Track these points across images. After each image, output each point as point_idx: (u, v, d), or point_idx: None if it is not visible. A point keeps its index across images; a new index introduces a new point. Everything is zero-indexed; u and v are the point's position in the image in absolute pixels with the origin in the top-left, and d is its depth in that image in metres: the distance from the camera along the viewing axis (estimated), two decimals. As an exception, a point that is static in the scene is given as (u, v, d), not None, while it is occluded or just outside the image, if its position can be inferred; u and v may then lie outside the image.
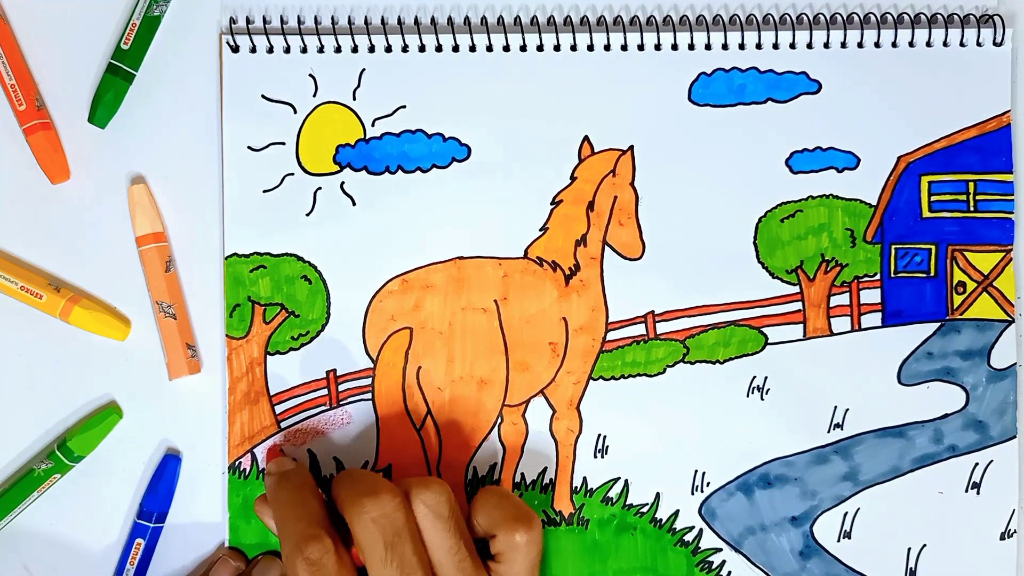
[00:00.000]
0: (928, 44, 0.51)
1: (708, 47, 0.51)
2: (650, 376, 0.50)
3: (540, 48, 0.51)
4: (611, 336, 0.50)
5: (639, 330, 0.50)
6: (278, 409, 0.50)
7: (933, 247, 0.51)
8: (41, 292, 0.49)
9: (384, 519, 0.43)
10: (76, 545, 0.50)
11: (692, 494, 0.50)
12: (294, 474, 0.47)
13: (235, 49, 0.50)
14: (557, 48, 0.51)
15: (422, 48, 0.50)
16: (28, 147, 0.50)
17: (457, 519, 0.44)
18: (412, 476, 0.47)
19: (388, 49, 0.50)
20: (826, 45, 0.51)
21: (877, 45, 0.51)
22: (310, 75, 0.50)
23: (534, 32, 0.51)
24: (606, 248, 0.51)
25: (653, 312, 0.50)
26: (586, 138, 0.51)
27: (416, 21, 0.51)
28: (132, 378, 0.50)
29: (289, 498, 0.45)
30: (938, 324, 0.51)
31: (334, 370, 0.50)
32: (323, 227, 0.50)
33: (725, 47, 0.51)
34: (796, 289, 0.51)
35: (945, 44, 0.51)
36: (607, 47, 0.51)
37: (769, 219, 0.51)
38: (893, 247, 0.51)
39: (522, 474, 0.50)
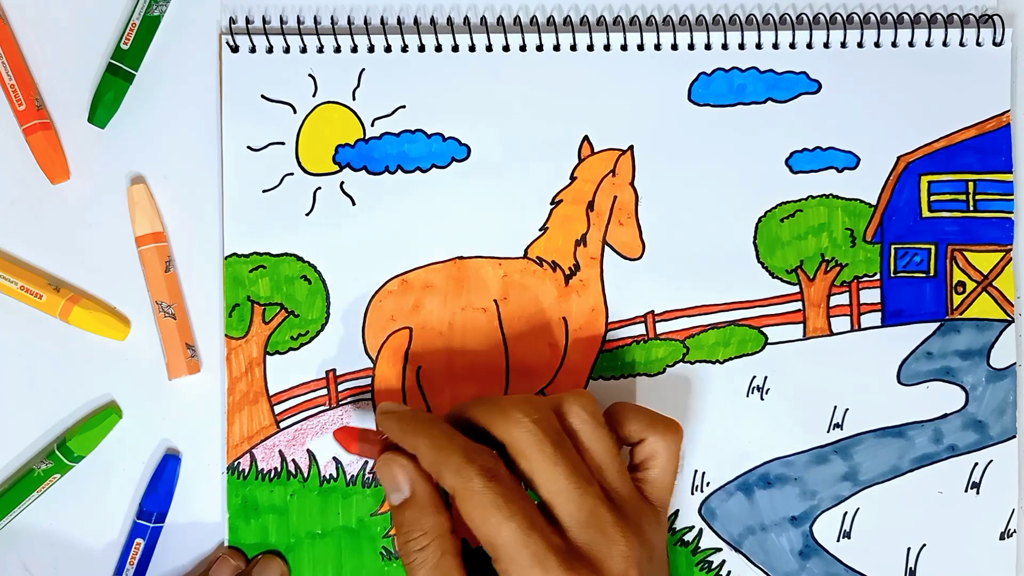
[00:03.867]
0: (928, 44, 0.51)
1: (708, 47, 0.51)
2: (650, 376, 0.50)
3: (540, 48, 0.51)
4: (611, 336, 0.50)
5: (639, 330, 0.50)
6: (277, 409, 0.50)
7: (933, 247, 0.51)
8: (41, 292, 0.49)
9: (544, 421, 0.42)
10: (76, 545, 0.50)
11: (692, 494, 0.50)
12: (420, 410, 0.47)
13: (235, 49, 0.50)
14: (557, 48, 0.51)
15: (422, 48, 0.50)
16: (28, 147, 0.50)
17: (608, 429, 0.44)
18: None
19: (388, 49, 0.50)
20: (826, 45, 0.51)
21: (877, 45, 0.51)
22: (310, 75, 0.50)
23: (534, 32, 0.51)
24: (606, 248, 0.51)
25: (653, 312, 0.50)
26: (586, 138, 0.51)
27: (416, 21, 0.51)
28: (132, 378, 0.50)
29: (432, 421, 0.44)
30: (938, 324, 0.51)
31: (334, 370, 0.50)
32: (323, 227, 0.50)
33: (725, 47, 0.51)
34: (796, 289, 0.51)
35: (945, 44, 0.51)
36: (607, 47, 0.51)
37: (769, 219, 0.51)
38: (893, 247, 0.51)
39: (522, 474, 0.50)
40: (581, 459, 0.43)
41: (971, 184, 0.51)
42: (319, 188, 0.50)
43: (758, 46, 0.51)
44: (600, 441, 0.44)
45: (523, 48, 0.50)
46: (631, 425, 0.45)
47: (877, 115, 0.51)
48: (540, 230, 0.51)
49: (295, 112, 0.50)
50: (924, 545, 0.51)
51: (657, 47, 0.51)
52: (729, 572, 0.50)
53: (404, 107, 0.50)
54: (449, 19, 0.51)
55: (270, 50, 0.50)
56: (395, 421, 0.45)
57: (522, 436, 0.42)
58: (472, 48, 0.50)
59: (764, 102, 0.51)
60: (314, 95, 0.50)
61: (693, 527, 0.50)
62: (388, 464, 0.44)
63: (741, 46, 0.51)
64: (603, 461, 0.43)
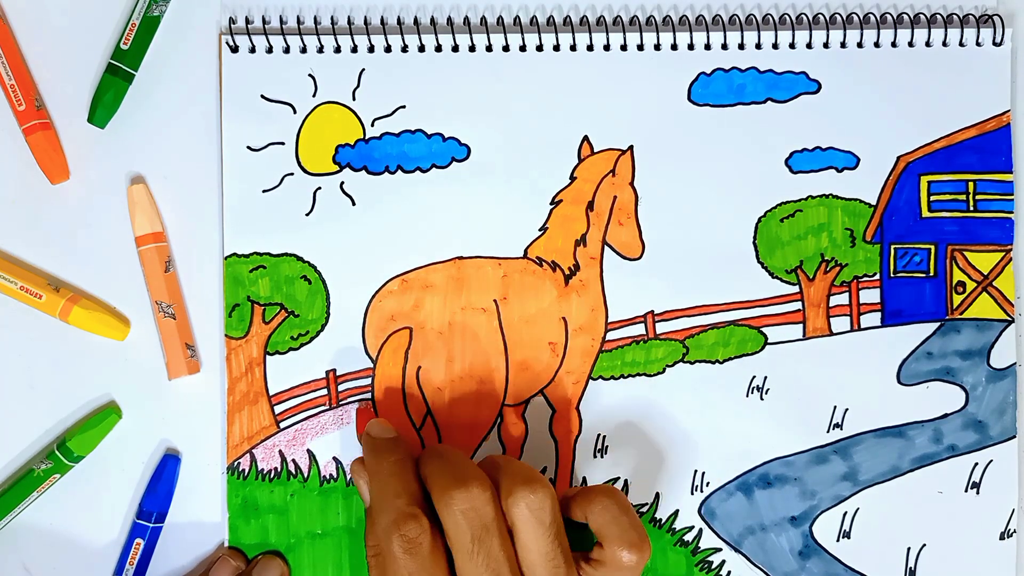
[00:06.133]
0: (928, 44, 0.51)
1: (708, 47, 0.51)
2: (650, 376, 0.50)
3: (540, 48, 0.51)
4: (611, 336, 0.50)
5: (639, 330, 0.50)
6: (277, 409, 0.50)
7: (933, 247, 0.51)
8: (41, 292, 0.49)
9: (472, 512, 0.43)
10: (76, 545, 0.50)
11: (692, 494, 0.50)
12: (395, 445, 0.46)
13: (234, 49, 0.50)
14: (557, 48, 0.51)
15: (422, 48, 0.50)
16: (28, 147, 0.50)
17: (558, 526, 0.44)
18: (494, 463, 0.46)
19: (388, 49, 0.50)
20: (826, 45, 0.51)
21: (877, 45, 0.51)
22: (310, 75, 0.50)
23: (534, 32, 0.51)
24: (606, 248, 0.51)
25: (653, 312, 0.50)
26: (586, 138, 0.51)
27: (416, 21, 0.51)
28: (131, 378, 0.50)
29: (390, 470, 0.45)
30: (938, 324, 0.51)
31: (334, 370, 0.50)
32: (323, 227, 0.50)
33: (725, 47, 0.51)
34: (796, 289, 0.51)
35: (945, 44, 0.51)
36: (607, 47, 0.51)
37: (769, 219, 0.51)
38: (893, 247, 0.51)
39: (522, 474, 0.50)
40: (507, 556, 0.43)
41: (971, 184, 0.51)
42: (319, 188, 0.50)
43: (758, 46, 0.51)
44: (537, 541, 0.43)
45: (523, 48, 0.50)
46: (593, 520, 0.45)
47: (877, 115, 0.51)
48: (540, 230, 0.51)
49: (295, 112, 0.50)
50: (924, 545, 0.51)
51: (657, 47, 0.51)
52: (729, 572, 0.50)
53: (404, 107, 0.50)
54: (449, 19, 0.51)
55: (270, 50, 0.50)
56: (366, 448, 0.47)
57: (448, 522, 0.43)
58: (472, 48, 0.50)
59: (764, 102, 0.51)
60: (314, 95, 0.50)
61: (693, 527, 0.50)
62: (355, 475, 0.48)
63: (741, 46, 0.51)
64: (532, 560, 0.43)
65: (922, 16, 0.51)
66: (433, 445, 0.48)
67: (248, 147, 0.50)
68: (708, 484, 0.50)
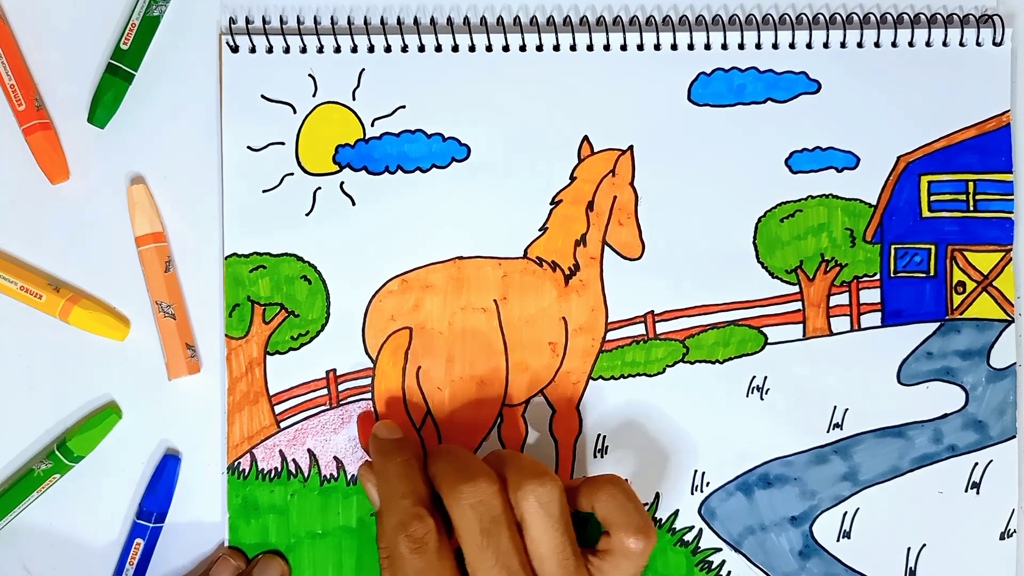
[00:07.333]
0: (928, 44, 0.51)
1: (708, 47, 0.51)
2: (650, 376, 0.50)
3: (540, 48, 0.51)
4: (611, 336, 0.50)
5: (639, 330, 0.50)
6: (278, 409, 0.50)
7: (933, 247, 0.51)
8: (41, 292, 0.49)
9: (481, 506, 0.43)
10: (76, 545, 0.50)
11: (692, 494, 0.50)
12: (403, 446, 0.47)
13: (235, 49, 0.50)
14: (557, 48, 0.51)
15: (422, 48, 0.50)
16: (28, 147, 0.50)
17: (567, 518, 0.44)
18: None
19: (388, 49, 0.50)
20: (826, 45, 0.51)
21: (877, 45, 0.51)
22: (310, 75, 0.50)
23: (534, 32, 0.51)
24: (606, 248, 0.51)
25: (653, 312, 0.50)
26: (586, 138, 0.51)
27: (416, 21, 0.51)
28: (131, 378, 0.50)
29: (396, 472, 0.45)
30: (938, 324, 0.51)
31: (334, 370, 0.50)
32: (323, 227, 0.50)
33: (725, 47, 0.51)
34: (796, 289, 0.51)
35: (945, 44, 0.51)
36: (607, 47, 0.51)
37: (769, 219, 0.51)
38: (893, 247, 0.51)
39: (522, 474, 0.50)
40: (516, 548, 0.43)
41: (971, 184, 0.51)
42: (319, 188, 0.50)
43: (758, 46, 0.51)
44: (547, 533, 0.43)
45: (523, 48, 0.50)
46: (600, 509, 0.45)
47: (877, 115, 0.51)
48: (540, 230, 0.51)
49: (295, 112, 0.50)
50: (924, 545, 0.51)
51: (657, 47, 0.51)
52: (729, 572, 0.50)
53: (404, 107, 0.50)
54: (449, 19, 0.51)
55: (270, 50, 0.50)
56: (373, 450, 0.47)
57: (458, 516, 0.43)
58: (472, 48, 0.50)
59: (764, 102, 0.51)
60: (314, 95, 0.50)
61: (693, 527, 0.50)
62: (363, 478, 0.47)
63: (741, 46, 0.51)
64: (542, 553, 0.43)
65: (922, 16, 0.51)
66: (440, 444, 0.48)
67: (248, 147, 0.50)
68: (708, 484, 0.50)
